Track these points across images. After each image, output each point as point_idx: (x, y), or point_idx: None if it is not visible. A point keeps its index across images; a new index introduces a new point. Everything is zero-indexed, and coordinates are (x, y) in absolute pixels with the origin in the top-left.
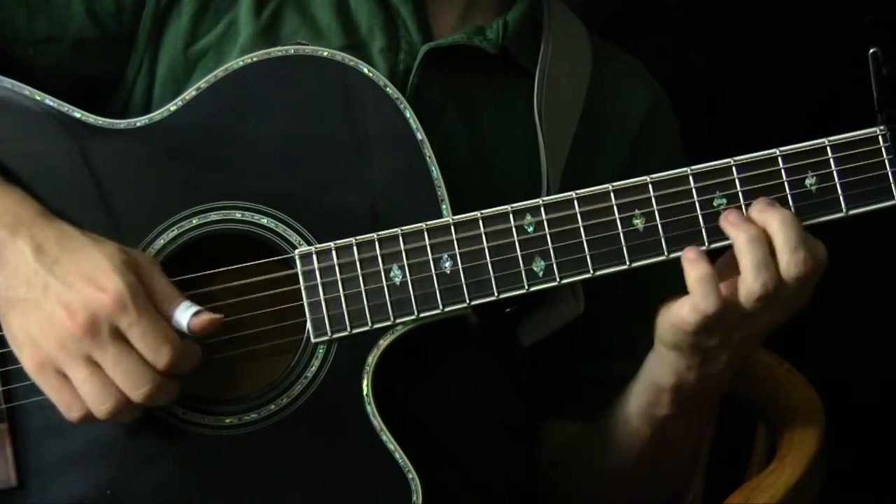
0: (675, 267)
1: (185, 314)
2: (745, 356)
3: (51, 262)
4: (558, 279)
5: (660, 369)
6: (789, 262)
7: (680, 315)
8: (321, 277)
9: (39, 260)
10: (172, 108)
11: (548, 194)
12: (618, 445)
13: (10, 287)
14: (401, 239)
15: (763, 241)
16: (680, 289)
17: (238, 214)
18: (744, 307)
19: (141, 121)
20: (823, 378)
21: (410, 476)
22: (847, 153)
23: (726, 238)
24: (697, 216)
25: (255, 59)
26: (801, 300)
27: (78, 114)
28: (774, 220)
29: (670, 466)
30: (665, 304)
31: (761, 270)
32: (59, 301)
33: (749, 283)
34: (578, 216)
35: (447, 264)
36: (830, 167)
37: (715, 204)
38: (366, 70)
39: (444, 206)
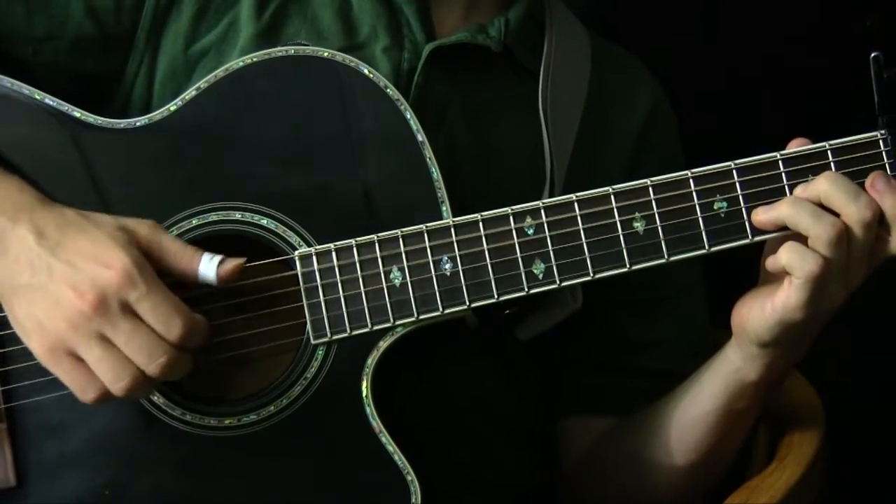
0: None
1: (210, 266)
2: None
3: (53, 246)
4: (558, 281)
5: (750, 367)
6: (859, 208)
7: (786, 303)
8: (321, 279)
9: (41, 244)
10: (172, 108)
11: (552, 191)
12: (684, 444)
13: (13, 274)
14: (401, 240)
15: (802, 200)
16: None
17: (238, 215)
18: (830, 258)
19: (141, 120)
20: (823, 378)
21: (410, 478)
22: (848, 157)
23: (724, 242)
24: (698, 219)
25: (255, 60)
26: (890, 252)
27: (77, 113)
28: (822, 182)
29: (733, 447)
30: (746, 306)
31: (819, 217)
32: (66, 282)
33: (818, 231)
34: (579, 219)
35: (447, 266)
36: (832, 171)
37: (715, 207)
38: (366, 71)
39: (444, 208)
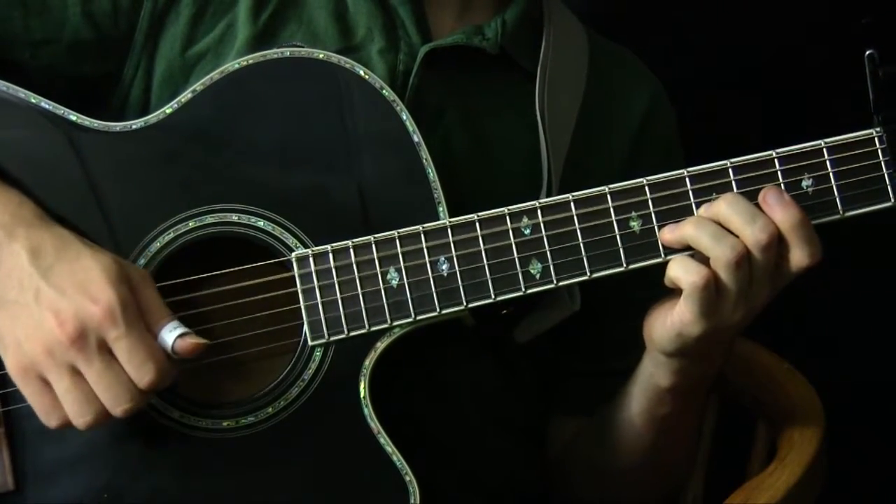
0: None
1: (170, 334)
2: (740, 333)
3: (46, 268)
4: (555, 281)
5: (661, 374)
6: (753, 232)
7: (681, 318)
8: (318, 280)
9: (34, 264)
10: (168, 111)
11: (549, 192)
12: (622, 446)
13: (1, 288)
14: (398, 241)
15: (706, 220)
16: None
17: (234, 217)
18: (727, 280)
19: (137, 123)
20: (823, 378)
21: (408, 478)
22: (843, 155)
23: None
24: None
25: (251, 62)
26: (793, 272)
27: (73, 116)
28: (721, 204)
29: (674, 455)
30: (652, 316)
31: (720, 239)
32: (50, 307)
33: (716, 253)
34: (575, 218)
35: (444, 267)
36: (827, 169)
37: None
38: (362, 72)
39: (440, 209)
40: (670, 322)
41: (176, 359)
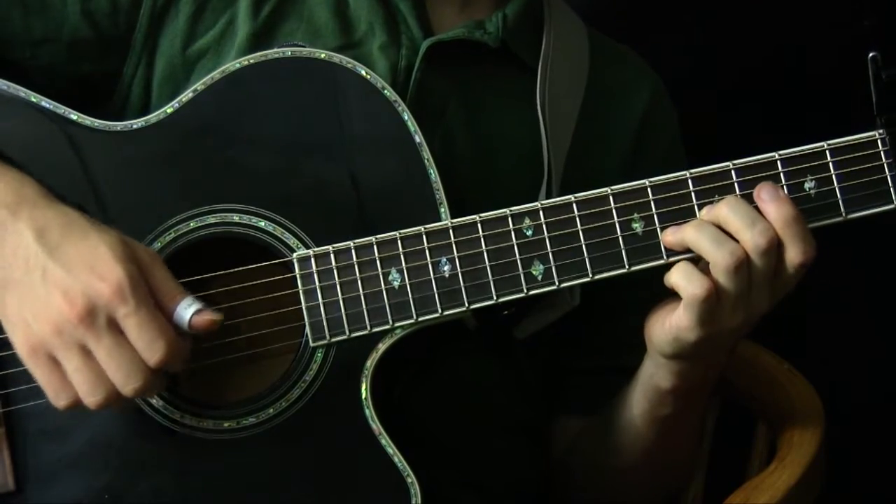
0: None
1: (187, 311)
2: (740, 338)
3: (52, 247)
4: (557, 283)
5: (661, 375)
6: (752, 236)
7: (678, 323)
8: (319, 281)
9: (40, 243)
10: (169, 111)
11: (550, 187)
12: (623, 446)
13: (6, 266)
14: (399, 242)
15: (707, 224)
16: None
17: (236, 217)
18: (726, 285)
19: (137, 123)
20: (823, 378)
21: (410, 480)
22: (846, 157)
23: None
24: None
25: (251, 61)
26: (790, 273)
27: (74, 115)
28: (721, 207)
29: (675, 456)
30: (653, 318)
31: (720, 243)
32: (58, 286)
33: (716, 258)
34: (577, 220)
35: (446, 268)
36: (829, 171)
37: None
38: (363, 72)
39: (442, 210)
40: (668, 326)
41: (188, 336)
